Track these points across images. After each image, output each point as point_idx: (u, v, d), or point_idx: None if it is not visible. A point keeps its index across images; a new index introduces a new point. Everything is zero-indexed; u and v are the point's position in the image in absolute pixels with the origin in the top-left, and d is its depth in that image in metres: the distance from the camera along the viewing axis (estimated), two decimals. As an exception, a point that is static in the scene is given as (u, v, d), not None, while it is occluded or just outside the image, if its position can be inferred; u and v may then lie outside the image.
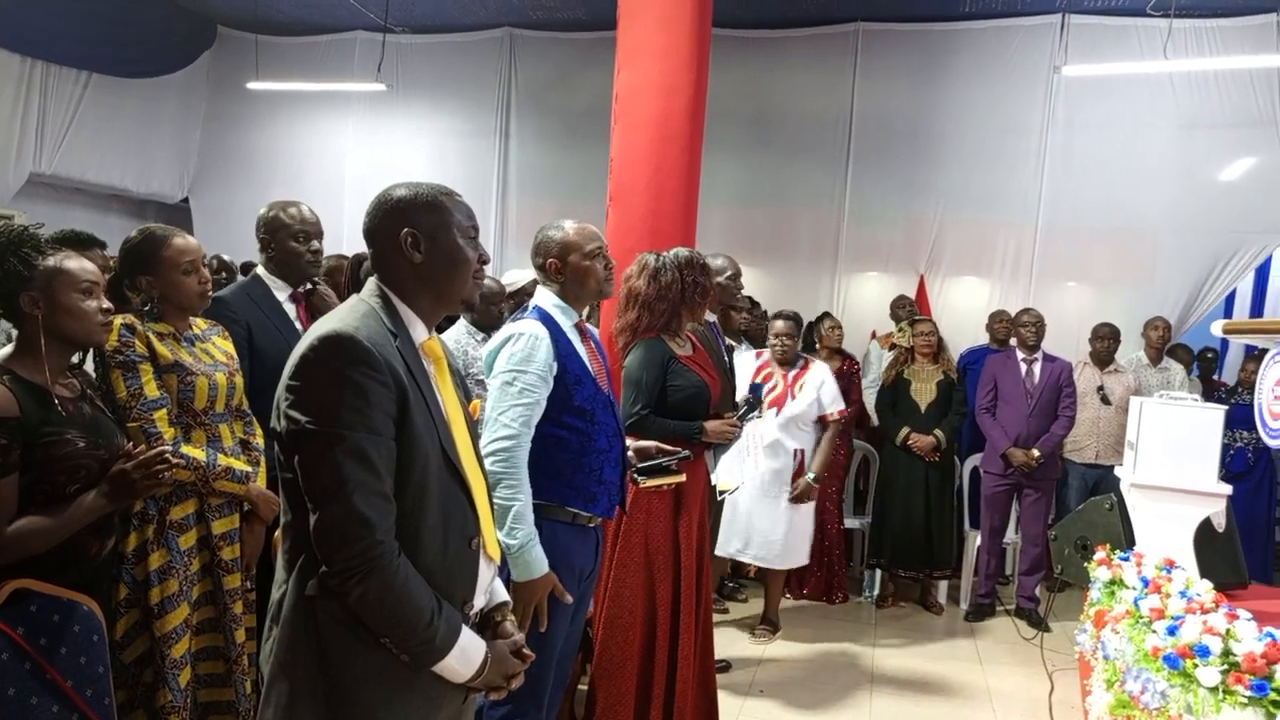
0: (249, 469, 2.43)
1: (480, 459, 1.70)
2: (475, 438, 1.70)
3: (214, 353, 2.47)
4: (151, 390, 2.24)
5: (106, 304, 2.04)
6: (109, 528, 2.05)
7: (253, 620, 2.45)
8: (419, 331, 1.58)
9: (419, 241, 1.55)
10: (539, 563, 2.23)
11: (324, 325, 1.46)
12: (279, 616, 1.49)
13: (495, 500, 2.19)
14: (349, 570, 1.38)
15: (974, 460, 5.47)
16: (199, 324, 2.51)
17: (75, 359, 2.09)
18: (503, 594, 1.75)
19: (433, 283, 1.58)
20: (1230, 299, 7.17)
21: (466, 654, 1.51)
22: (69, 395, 1.99)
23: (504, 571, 2.26)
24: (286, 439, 1.43)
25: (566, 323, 2.42)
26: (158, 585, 2.24)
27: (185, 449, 2.27)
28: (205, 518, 2.35)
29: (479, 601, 1.63)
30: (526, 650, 1.66)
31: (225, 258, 6.26)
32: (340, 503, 1.37)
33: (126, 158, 7.93)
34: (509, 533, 2.20)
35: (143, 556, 2.24)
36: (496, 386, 2.29)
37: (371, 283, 1.59)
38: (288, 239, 2.82)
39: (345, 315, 1.50)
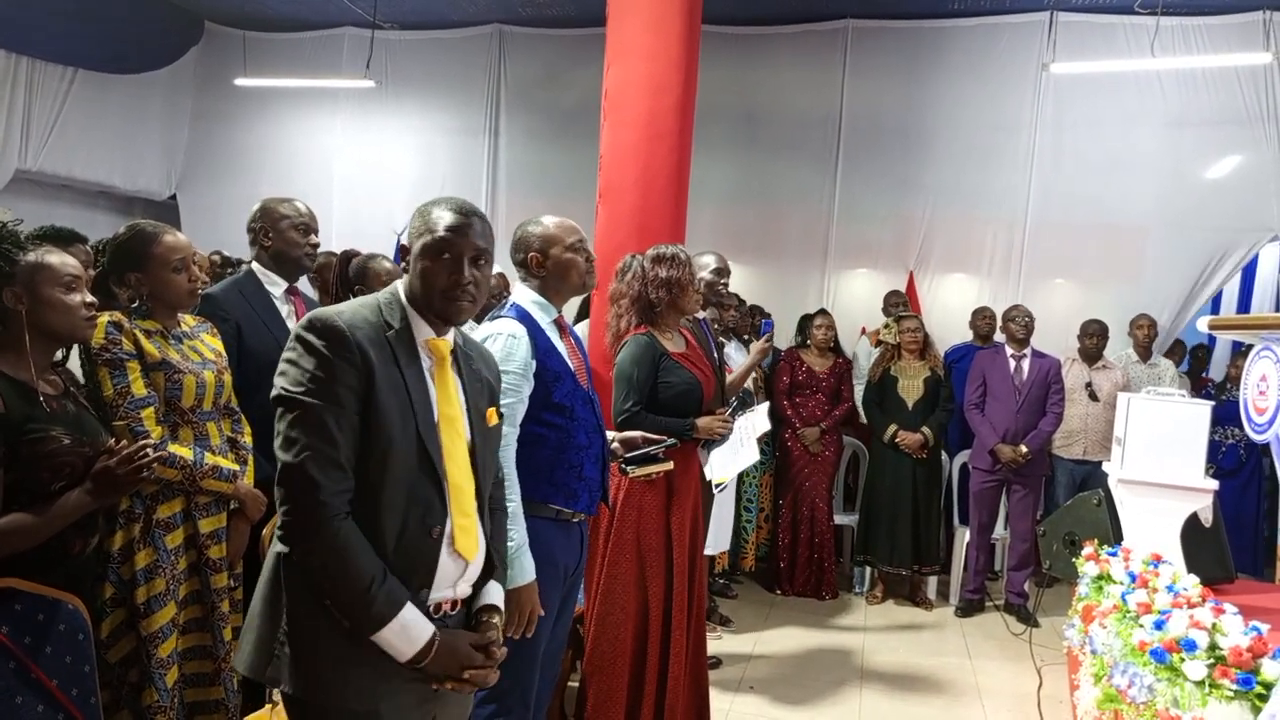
0: (236, 467, 2.42)
1: (477, 463, 1.71)
2: (487, 442, 1.76)
3: (202, 350, 2.45)
4: (139, 388, 2.22)
5: (90, 299, 2.02)
6: (92, 525, 2.04)
7: (239, 619, 2.44)
8: (422, 330, 1.68)
9: (406, 253, 1.72)
10: (532, 568, 2.22)
11: (318, 309, 1.62)
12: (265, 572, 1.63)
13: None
14: (293, 526, 1.50)
15: (963, 456, 5.49)
16: (187, 321, 2.49)
17: (59, 356, 2.07)
18: (493, 597, 1.76)
19: (414, 290, 1.69)
20: (1217, 298, 7.21)
21: (408, 631, 1.53)
22: (53, 392, 1.97)
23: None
24: (272, 402, 1.55)
25: (545, 319, 2.41)
26: (144, 584, 2.22)
27: (172, 447, 2.26)
28: (192, 516, 2.33)
29: (443, 594, 1.65)
30: (497, 649, 1.66)
31: (225, 253, 6.26)
32: (294, 465, 1.48)
33: (113, 154, 7.88)
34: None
35: (129, 555, 2.22)
36: None
37: (394, 284, 1.73)
38: (289, 229, 2.81)
39: (346, 303, 1.66)
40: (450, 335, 1.73)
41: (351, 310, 1.61)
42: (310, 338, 1.54)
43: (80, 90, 7.44)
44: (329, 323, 1.55)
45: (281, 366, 1.55)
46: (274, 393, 1.54)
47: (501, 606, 1.77)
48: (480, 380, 1.79)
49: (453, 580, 1.67)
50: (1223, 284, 6.56)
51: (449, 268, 1.65)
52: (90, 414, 2.07)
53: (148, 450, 1.97)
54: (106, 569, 2.20)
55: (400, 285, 1.71)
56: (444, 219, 1.66)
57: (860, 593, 5.30)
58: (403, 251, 1.71)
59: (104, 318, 2.20)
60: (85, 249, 2.89)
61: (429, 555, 1.61)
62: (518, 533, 2.20)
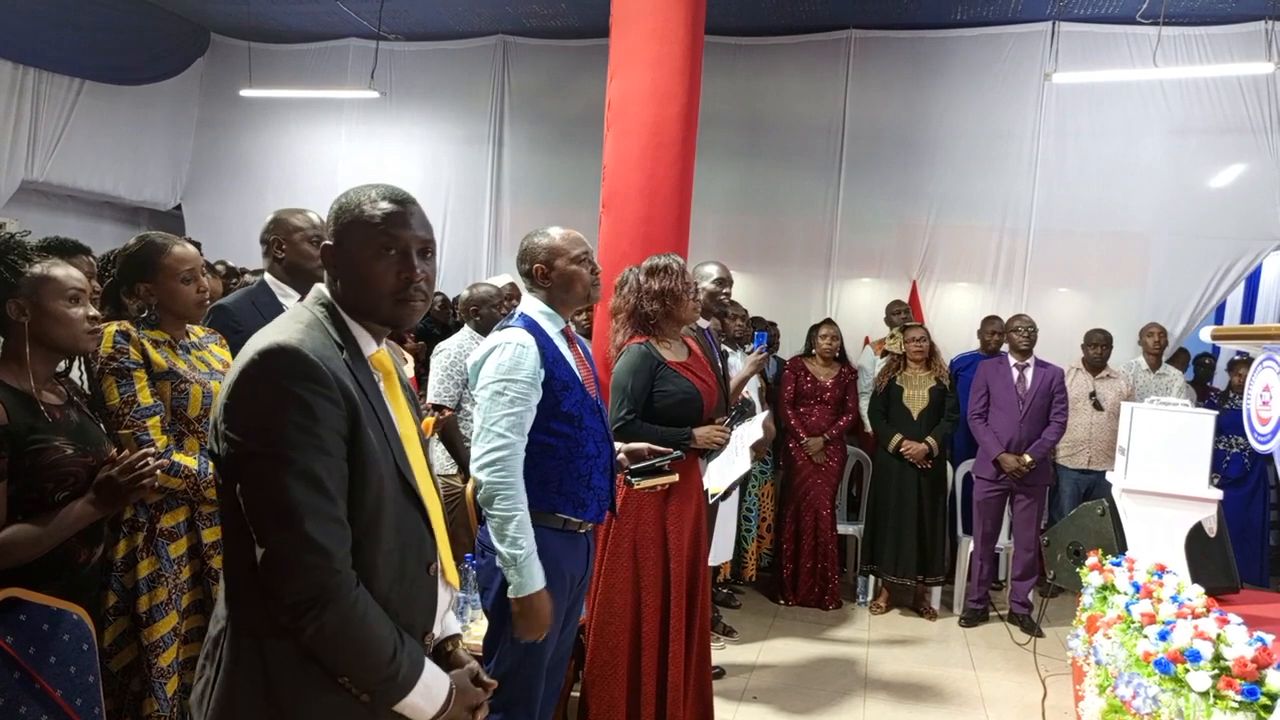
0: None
1: (435, 479, 1.59)
2: (428, 455, 1.60)
3: (210, 360, 2.46)
4: (145, 397, 2.23)
5: (93, 311, 2.04)
6: (97, 535, 2.05)
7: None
8: (367, 343, 1.47)
9: (336, 256, 1.44)
10: (541, 576, 2.22)
11: (263, 337, 1.34)
12: (215, 656, 1.37)
13: (495, 512, 2.20)
14: (303, 603, 1.26)
15: (966, 466, 5.47)
16: (196, 331, 2.50)
17: (61, 367, 2.08)
18: (455, 626, 1.64)
19: (355, 298, 1.44)
20: (1221, 305, 7.20)
21: (430, 690, 1.39)
22: (56, 402, 1.98)
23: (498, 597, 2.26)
24: (225, 463, 1.31)
25: (553, 329, 2.42)
26: (146, 593, 2.22)
27: (177, 457, 2.26)
28: (196, 526, 2.33)
29: (437, 630, 1.52)
30: (486, 677, 1.56)
31: (230, 263, 6.29)
32: (291, 530, 1.25)
33: (119, 165, 7.93)
34: (512, 543, 2.19)
35: (132, 564, 2.23)
36: (486, 397, 2.28)
37: (317, 288, 1.48)
38: (302, 241, 2.81)
39: (287, 325, 1.37)
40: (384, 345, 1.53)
41: (302, 333, 1.34)
42: (279, 379, 1.29)
43: (86, 101, 7.49)
44: (298, 355, 1.30)
45: (239, 416, 1.29)
46: (235, 449, 1.28)
47: (460, 633, 1.66)
48: (408, 388, 1.60)
49: (444, 613, 1.54)
50: (1227, 293, 6.56)
51: (396, 265, 1.42)
52: (93, 423, 2.08)
53: (149, 459, 1.98)
54: (110, 577, 2.21)
55: (325, 294, 1.46)
56: (379, 209, 1.42)
57: (864, 602, 5.29)
58: (325, 254, 1.45)
59: (111, 327, 2.22)
60: (89, 260, 2.91)
61: (429, 594, 1.47)
62: (526, 540, 2.20)
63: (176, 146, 8.43)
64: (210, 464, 2.32)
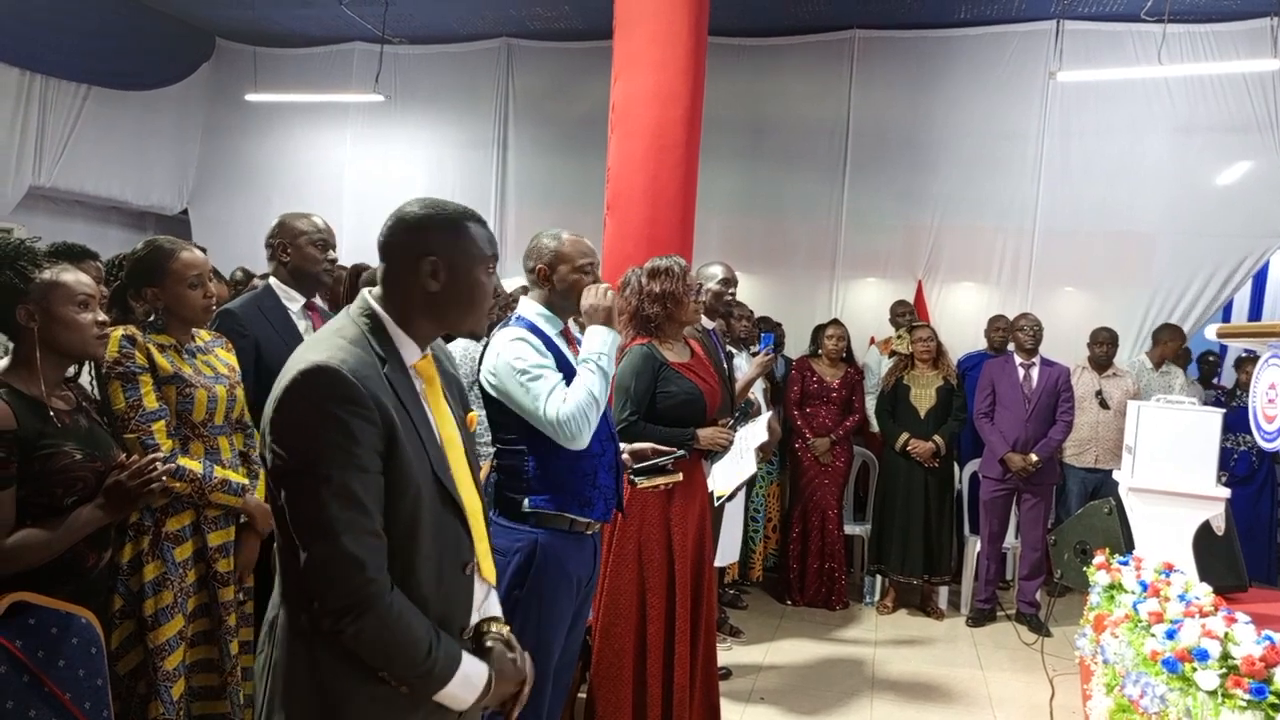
0: (246, 481, 2.43)
1: (477, 478, 1.64)
2: (473, 454, 1.66)
3: (215, 365, 2.47)
4: (150, 402, 2.24)
5: (102, 317, 2.05)
6: (106, 539, 2.06)
7: (248, 633, 2.45)
8: (410, 353, 1.52)
9: (438, 271, 1.49)
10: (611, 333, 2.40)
11: (306, 355, 1.39)
12: (272, 636, 1.47)
13: (596, 398, 2.30)
14: (341, 610, 1.35)
15: (973, 465, 5.47)
16: (202, 335, 2.51)
17: (70, 372, 2.10)
18: (495, 609, 1.69)
19: (443, 313, 1.53)
20: (1228, 303, 7.18)
21: (469, 680, 1.47)
22: (65, 408, 1.99)
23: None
24: (272, 473, 1.39)
25: (552, 330, 2.43)
26: (152, 597, 2.24)
27: (182, 460, 2.27)
28: (201, 529, 2.34)
29: (473, 621, 1.58)
30: (520, 653, 1.60)
31: (247, 268, 6.31)
32: (329, 543, 1.33)
33: (126, 170, 7.95)
34: (604, 373, 2.35)
35: (138, 568, 2.24)
36: (514, 386, 2.29)
37: (363, 298, 1.53)
38: (307, 245, 2.82)
39: (329, 342, 1.43)
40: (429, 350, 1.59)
41: (343, 351, 1.40)
42: (319, 400, 1.35)
43: (93, 107, 7.52)
44: (337, 376, 1.35)
45: (281, 433, 1.36)
46: (279, 464, 1.36)
47: (500, 615, 1.70)
48: (453, 382, 1.67)
49: (479, 606, 1.61)
50: (1234, 291, 6.53)
51: (489, 283, 1.56)
52: (102, 429, 2.09)
53: (157, 464, 1.99)
54: (116, 581, 2.22)
55: (371, 305, 1.51)
56: (479, 234, 1.54)
57: (871, 603, 5.28)
58: (429, 268, 1.48)
59: (117, 331, 2.23)
60: (97, 265, 2.92)
61: (466, 592, 1.55)
62: (603, 363, 2.37)
63: (182, 151, 8.45)
64: (214, 468, 2.35)
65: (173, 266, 2.37)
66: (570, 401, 2.27)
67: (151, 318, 2.40)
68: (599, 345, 2.38)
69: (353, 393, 1.36)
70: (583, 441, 2.29)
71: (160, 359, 2.29)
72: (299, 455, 1.35)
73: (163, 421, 2.26)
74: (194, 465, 2.30)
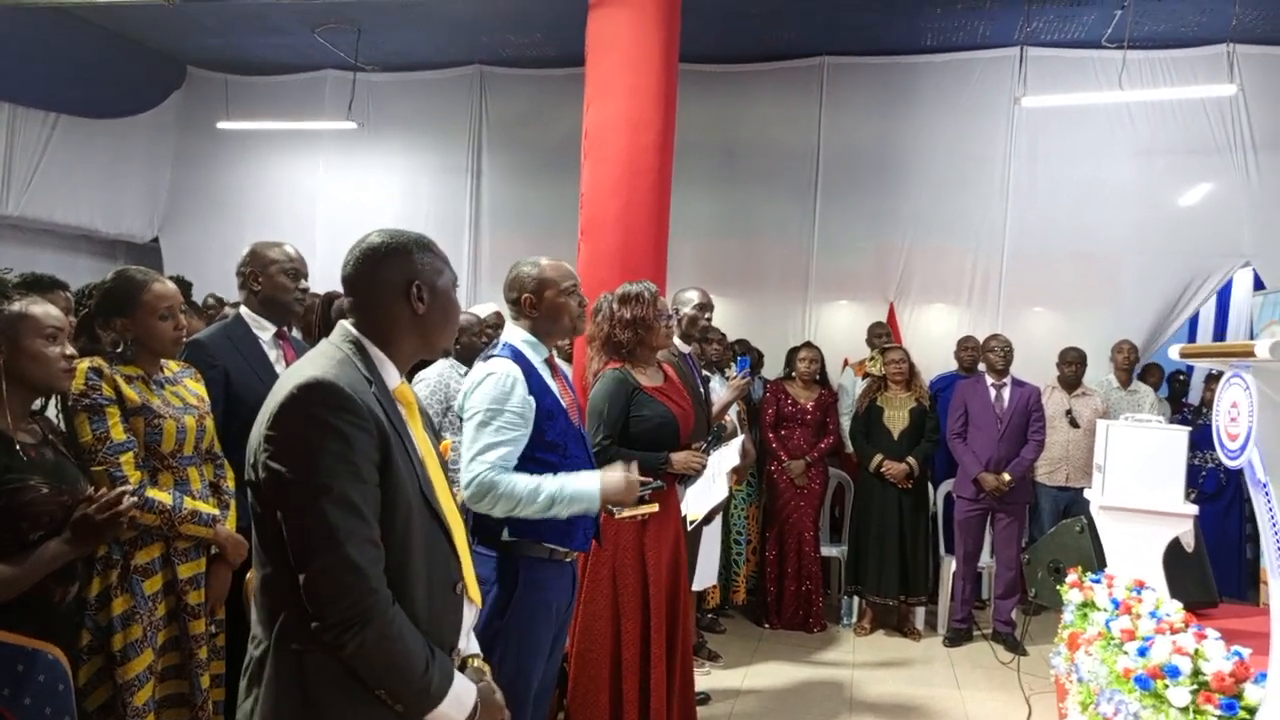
0: (216, 512, 2.41)
1: (456, 501, 1.68)
2: (449, 479, 1.69)
3: (184, 395, 2.46)
4: (118, 433, 2.22)
5: (70, 350, 2.03)
6: (73, 573, 2.02)
7: (220, 666, 2.42)
8: (392, 377, 1.57)
9: (423, 294, 1.56)
10: (588, 482, 2.26)
11: (301, 372, 1.43)
12: (259, 676, 1.44)
13: (500, 514, 2.21)
14: (345, 622, 1.36)
15: (947, 486, 5.50)
16: (171, 366, 2.49)
17: (37, 404, 2.07)
18: (473, 646, 1.72)
19: (427, 334, 1.60)
20: (1194, 322, 7.31)
21: (460, 699, 1.50)
22: (31, 441, 1.97)
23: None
24: (267, 490, 1.39)
25: (537, 358, 2.43)
26: (121, 631, 2.20)
27: (150, 492, 2.25)
28: (171, 562, 2.32)
29: (461, 645, 1.61)
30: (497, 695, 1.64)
31: (219, 296, 6.28)
32: (332, 553, 1.35)
33: (96, 198, 7.88)
34: (541, 509, 2.20)
35: (106, 602, 2.21)
36: (473, 426, 2.28)
37: (343, 327, 1.57)
38: (278, 273, 2.81)
39: (320, 362, 1.47)
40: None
41: (337, 368, 1.45)
42: (317, 411, 1.38)
43: (62, 135, 7.46)
44: (334, 389, 1.39)
45: (280, 447, 1.38)
46: (276, 478, 1.36)
47: (479, 652, 1.73)
48: (424, 411, 1.70)
49: (468, 628, 1.64)
50: (1198, 309, 6.66)
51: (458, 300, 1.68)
52: (70, 462, 2.07)
53: (125, 497, 1.96)
54: (83, 615, 2.19)
55: (352, 332, 1.56)
56: (441, 255, 1.65)
57: (848, 624, 5.29)
58: (410, 290, 1.56)
59: (84, 363, 2.21)
60: (66, 295, 2.90)
61: (456, 611, 1.57)
62: (540, 495, 2.21)
63: (153, 179, 8.40)
64: (184, 499, 2.32)
65: (144, 298, 2.36)
66: (503, 478, 2.20)
67: (119, 348, 2.37)
68: (580, 489, 2.26)
69: (350, 403, 1.40)
70: (477, 508, 2.23)
71: (128, 390, 2.27)
72: (300, 467, 1.36)
73: (131, 453, 2.24)
74: (163, 497, 2.28)
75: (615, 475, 2.29)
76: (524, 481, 2.20)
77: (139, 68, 8.02)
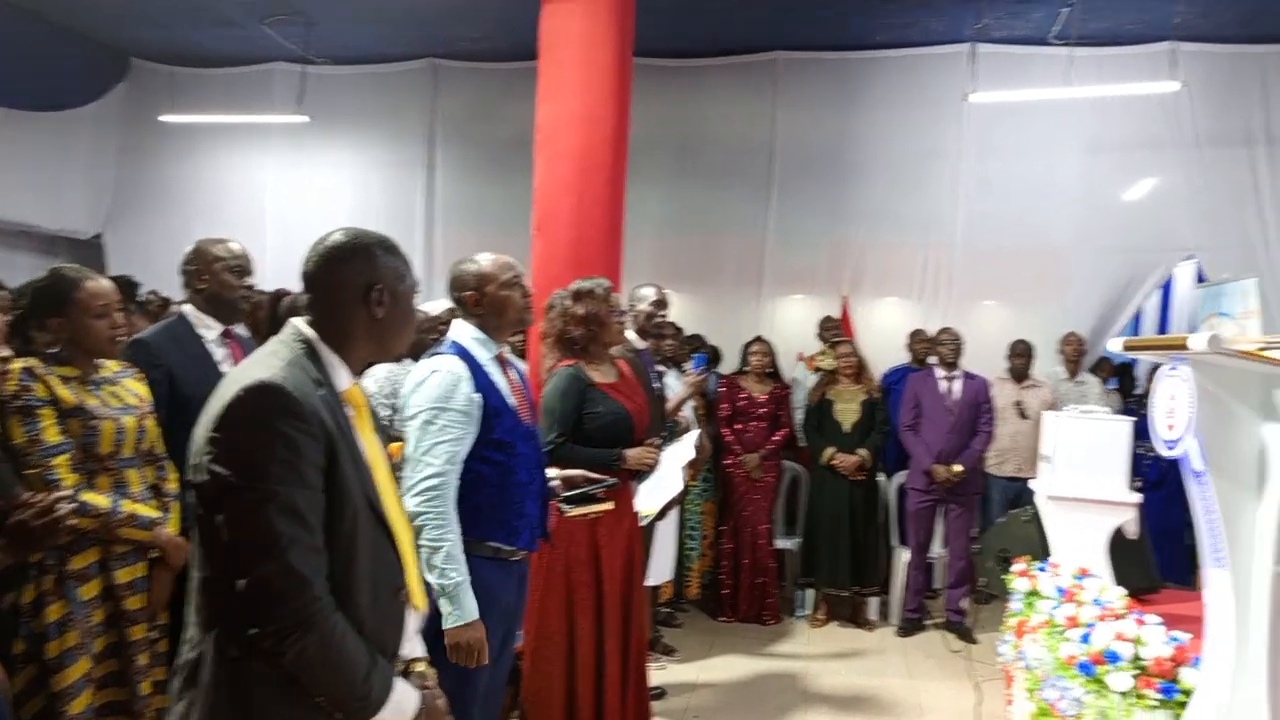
0: (156, 515, 2.35)
1: (402, 506, 1.66)
2: (397, 482, 1.67)
3: (123, 395, 2.40)
4: (51, 435, 2.17)
5: (5, 352, 1.97)
6: (7, 581, 1.97)
7: (161, 673, 2.36)
8: (342, 379, 1.54)
9: (384, 298, 1.53)
10: (474, 606, 2.21)
11: (247, 373, 1.40)
12: (195, 679, 1.40)
13: (424, 542, 2.18)
14: (286, 629, 1.33)
15: (900, 477, 5.56)
16: (110, 365, 2.43)
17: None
18: (418, 649, 1.69)
19: (384, 338, 1.57)
20: (1138, 315, 7.47)
21: (400, 706, 1.48)
22: (-40, 445, 1.91)
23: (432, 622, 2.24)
24: (209, 493, 1.35)
25: (485, 355, 2.41)
26: (56, 638, 2.15)
27: (86, 495, 2.19)
28: (108, 566, 2.26)
29: (405, 649, 1.59)
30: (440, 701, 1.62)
31: (161, 293, 6.15)
32: (274, 560, 1.32)
33: (36, 193, 7.65)
34: (441, 574, 2.18)
35: (40, 609, 2.15)
36: (417, 425, 2.27)
37: (294, 326, 1.53)
38: (223, 271, 2.75)
39: (266, 363, 1.44)
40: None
41: (285, 369, 1.41)
42: (264, 415, 1.35)
43: (1, 129, 7.25)
44: (281, 392, 1.36)
45: (224, 450, 1.35)
46: (219, 482, 1.33)
47: (424, 654, 1.70)
48: (374, 413, 1.67)
49: (410, 635, 1.62)
50: (1143, 302, 6.81)
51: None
52: (5, 466, 2.01)
53: (63, 503, 1.91)
54: (17, 624, 2.13)
55: (304, 332, 1.52)
56: (403, 258, 1.61)
57: (803, 616, 5.33)
58: (371, 293, 1.52)
59: (17, 364, 2.15)
60: (3, 294, 2.82)
61: (398, 618, 1.56)
62: (456, 570, 2.19)
63: (96, 174, 8.18)
64: (122, 501, 2.27)
65: (78, 296, 2.30)
66: (436, 501, 2.20)
67: (55, 348, 2.31)
68: (461, 603, 2.21)
69: (298, 408, 1.37)
70: (415, 510, 2.21)
71: (63, 391, 2.21)
72: (244, 471, 1.34)
73: (66, 455, 2.18)
74: (99, 500, 2.22)
75: (478, 636, 2.23)
76: (455, 531, 2.21)
77: (80, 60, 7.82)
